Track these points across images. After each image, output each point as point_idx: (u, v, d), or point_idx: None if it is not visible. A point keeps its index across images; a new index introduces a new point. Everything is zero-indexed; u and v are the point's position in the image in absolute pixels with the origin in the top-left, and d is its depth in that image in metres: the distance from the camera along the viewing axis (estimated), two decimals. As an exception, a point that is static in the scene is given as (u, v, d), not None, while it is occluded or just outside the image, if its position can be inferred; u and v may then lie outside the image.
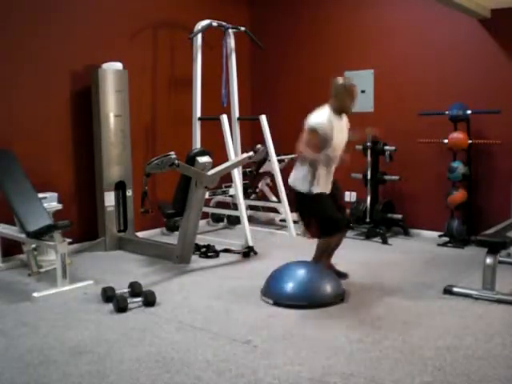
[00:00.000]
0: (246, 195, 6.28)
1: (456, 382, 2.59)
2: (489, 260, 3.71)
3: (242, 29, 5.90)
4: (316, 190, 3.83)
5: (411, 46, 5.70)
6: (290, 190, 4.08)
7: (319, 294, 3.67)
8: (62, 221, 4.10)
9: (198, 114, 5.80)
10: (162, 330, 3.27)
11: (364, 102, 5.99)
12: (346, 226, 4.13)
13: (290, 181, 3.98)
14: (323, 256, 4.09)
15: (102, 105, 5.12)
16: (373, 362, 2.80)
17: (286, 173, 5.66)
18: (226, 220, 6.39)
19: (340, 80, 3.84)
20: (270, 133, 5.72)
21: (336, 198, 4.05)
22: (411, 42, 5.70)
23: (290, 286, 3.67)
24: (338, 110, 3.83)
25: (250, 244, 5.11)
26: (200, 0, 6.20)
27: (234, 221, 6.19)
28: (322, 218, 3.88)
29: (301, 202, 3.96)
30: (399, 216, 5.69)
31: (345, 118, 3.94)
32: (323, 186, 3.87)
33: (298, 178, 3.90)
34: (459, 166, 5.24)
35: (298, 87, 6.54)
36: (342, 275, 4.10)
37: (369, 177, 5.71)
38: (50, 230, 4.02)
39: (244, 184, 6.24)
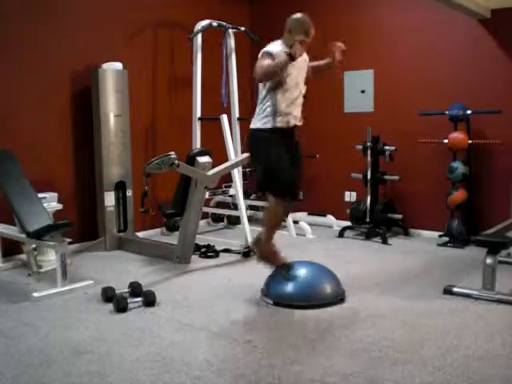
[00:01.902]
0: (246, 195, 6.28)
1: (456, 382, 2.59)
2: (489, 260, 3.70)
3: (242, 29, 5.90)
4: (274, 123, 3.52)
5: (411, 45, 5.70)
6: (249, 136, 3.70)
7: (319, 293, 3.66)
8: (62, 221, 4.10)
9: (198, 114, 5.80)
10: (162, 330, 3.27)
11: (364, 102, 6.00)
12: (293, 193, 3.64)
13: (250, 126, 3.67)
14: (270, 234, 3.70)
15: (101, 105, 5.12)
16: (373, 362, 2.80)
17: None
18: (225, 220, 6.39)
19: (296, 15, 3.63)
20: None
21: (295, 159, 3.67)
22: (411, 41, 5.70)
23: (289, 286, 3.66)
24: (291, 47, 3.49)
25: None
26: (200, 0, 6.21)
27: (234, 221, 6.19)
28: (271, 166, 3.52)
29: (253, 141, 3.65)
30: (399, 216, 5.70)
31: (304, 55, 3.69)
32: (283, 120, 3.54)
33: (256, 118, 3.62)
34: (459, 166, 5.24)
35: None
36: (285, 267, 3.73)
37: (369, 177, 5.71)
38: (50, 230, 4.02)
39: (244, 184, 6.25)
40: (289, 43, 3.55)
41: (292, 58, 3.38)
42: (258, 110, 3.67)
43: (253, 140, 3.68)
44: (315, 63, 3.89)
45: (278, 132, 3.57)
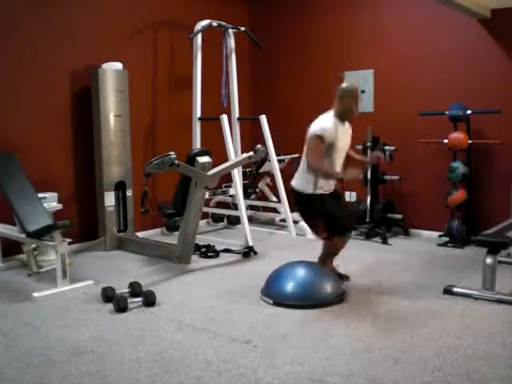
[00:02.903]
0: (246, 195, 6.28)
1: (456, 382, 2.59)
2: (489, 260, 3.71)
3: (242, 29, 5.90)
4: (319, 191, 3.85)
5: (411, 45, 5.70)
6: (292, 192, 4.04)
7: (319, 293, 3.67)
8: (62, 221, 4.10)
9: (198, 114, 5.80)
10: (162, 330, 3.27)
11: (364, 102, 6.00)
12: (352, 226, 4.20)
13: (294, 183, 3.97)
14: (328, 258, 4.11)
15: (102, 105, 5.12)
16: (373, 362, 2.80)
17: (285, 173, 5.69)
18: (225, 220, 6.39)
19: (344, 84, 3.84)
20: (270, 133, 5.72)
21: (340, 199, 4.13)
22: (411, 41, 5.70)
23: (290, 286, 3.67)
24: (343, 115, 3.83)
25: (250, 244, 5.11)
26: (200, 0, 6.21)
27: (234, 221, 6.19)
28: (330, 217, 3.88)
29: (304, 204, 3.95)
30: (399, 216, 5.70)
31: (347, 124, 3.94)
32: (325, 187, 3.88)
33: (301, 180, 3.90)
34: (459, 166, 5.24)
35: (298, 87, 6.54)
36: (343, 277, 4.10)
37: (369, 177, 5.71)
38: (50, 230, 4.02)
39: (244, 184, 6.25)
40: (339, 113, 3.81)
41: (341, 181, 3.91)
42: (301, 172, 3.91)
43: (301, 201, 3.96)
44: (353, 156, 4.17)
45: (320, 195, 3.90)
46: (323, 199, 3.87)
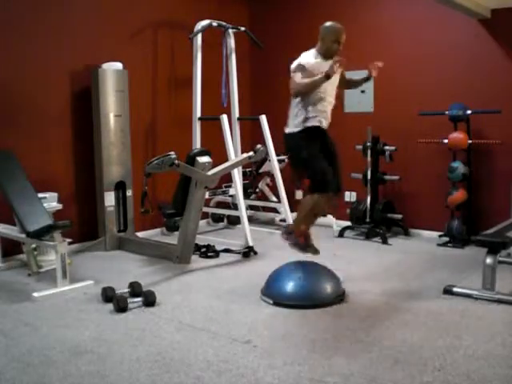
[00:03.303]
0: (246, 195, 6.28)
1: (456, 382, 2.59)
2: (489, 260, 3.71)
3: (242, 29, 5.90)
4: (309, 123, 3.73)
5: (411, 45, 5.70)
6: (285, 140, 3.91)
7: (319, 293, 3.67)
8: (62, 221, 4.10)
9: (198, 114, 5.80)
10: (162, 330, 3.27)
11: (364, 102, 6.00)
12: (334, 189, 3.83)
13: (286, 130, 3.88)
14: (305, 219, 3.92)
15: (102, 105, 5.12)
16: (373, 362, 2.80)
17: (285, 173, 5.69)
18: (225, 220, 6.39)
19: (327, 23, 3.78)
20: (270, 133, 5.72)
21: (332, 154, 3.88)
22: (411, 41, 5.70)
23: (290, 286, 3.67)
24: (325, 54, 3.74)
25: (250, 244, 5.11)
26: (200, 0, 6.20)
27: (234, 221, 6.19)
28: (311, 166, 3.75)
29: (292, 144, 3.85)
30: (399, 216, 5.69)
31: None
32: (317, 119, 3.75)
33: (291, 120, 3.84)
34: (459, 166, 5.24)
35: (298, 87, 6.54)
36: (312, 250, 3.96)
37: (369, 177, 5.71)
38: (50, 230, 4.02)
39: (244, 184, 6.25)
40: (322, 51, 3.76)
41: (328, 77, 3.54)
42: (291, 115, 3.87)
43: (289, 142, 3.90)
44: (355, 78, 4.15)
45: (310, 131, 3.77)
46: (306, 139, 3.72)
